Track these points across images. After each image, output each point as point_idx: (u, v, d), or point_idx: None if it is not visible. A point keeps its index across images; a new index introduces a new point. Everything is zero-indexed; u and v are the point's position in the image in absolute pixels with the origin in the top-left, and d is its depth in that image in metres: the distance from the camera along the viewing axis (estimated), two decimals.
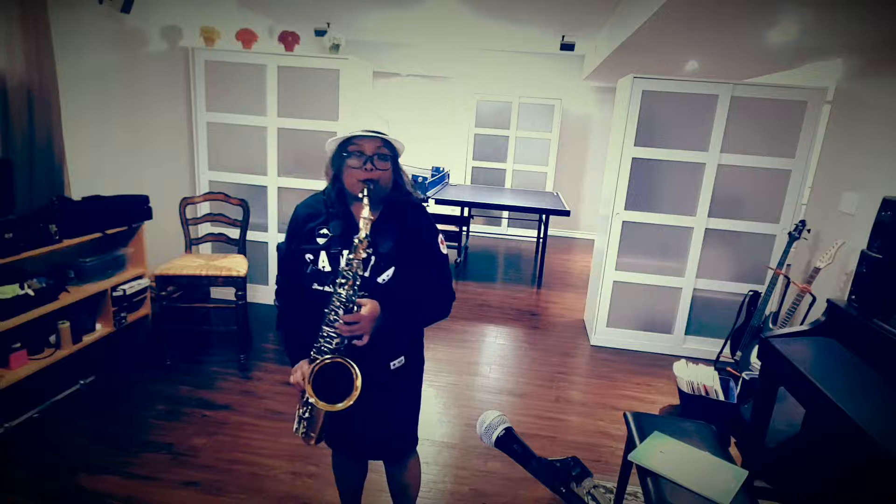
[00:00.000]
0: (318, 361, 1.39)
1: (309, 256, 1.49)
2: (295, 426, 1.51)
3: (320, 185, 4.60)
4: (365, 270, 1.45)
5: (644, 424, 1.99)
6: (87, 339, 2.88)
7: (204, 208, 3.97)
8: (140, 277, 3.17)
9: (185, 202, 3.57)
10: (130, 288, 3.08)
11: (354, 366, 1.38)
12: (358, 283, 1.39)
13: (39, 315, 2.54)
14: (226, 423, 2.70)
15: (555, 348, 3.90)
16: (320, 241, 1.49)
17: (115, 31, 3.33)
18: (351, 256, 1.37)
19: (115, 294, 2.99)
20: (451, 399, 3.08)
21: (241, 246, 3.64)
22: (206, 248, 4.14)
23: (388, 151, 1.46)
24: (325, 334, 1.41)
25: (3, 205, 2.51)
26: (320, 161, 4.28)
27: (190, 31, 3.99)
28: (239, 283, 3.20)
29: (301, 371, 1.48)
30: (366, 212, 1.38)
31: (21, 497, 2.13)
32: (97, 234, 2.87)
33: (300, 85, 3.91)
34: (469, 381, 3.31)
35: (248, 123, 4.01)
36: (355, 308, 1.40)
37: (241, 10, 4.74)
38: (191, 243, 3.57)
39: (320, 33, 5.52)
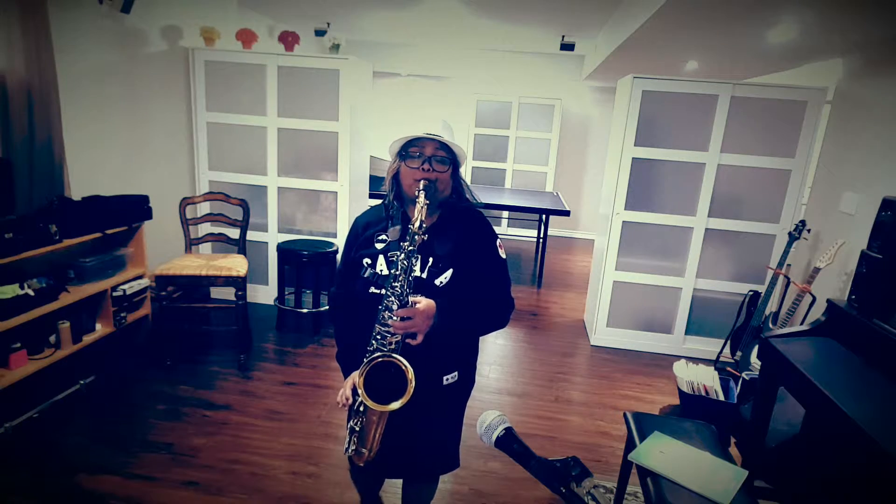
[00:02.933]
0: (370, 361, 1.33)
1: (367, 261, 1.49)
2: (346, 446, 1.46)
3: (320, 185, 4.57)
4: (423, 272, 1.44)
5: (644, 424, 1.99)
6: (87, 339, 2.88)
7: (204, 208, 3.97)
8: (140, 277, 3.17)
9: (185, 202, 3.57)
10: (130, 288, 3.08)
11: (405, 362, 1.31)
12: (412, 275, 1.35)
13: (39, 315, 2.54)
14: (226, 423, 2.70)
15: (555, 348, 3.90)
16: (378, 245, 1.49)
17: (115, 31, 3.33)
18: (405, 243, 1.34)
19: (115, 294, 2.99)
20: None
21: (241, 246, 3.64)
22: (206, 248, 4.14)
23: (447, 155, 1.45)
24: (378, 333, 1.37)
25: (3, 205, 2.51)
26: (320, 161, 4.31)
27: (190, 31, 3.99)
28: (239, 283, 3.20)
29: (352, 380, 1.44)
30: (421, 199, 1.36)
31: (21, 497, 2.12)
32: (97, 234, 2.87)
33: (300, 85, 3.91)
34: None
35: (248, 123, 4.01)
36: (410, 304, 1.35)
37: (241, 10, 4.74)
38: (191, 243, 3.57)
39: (320, 33, 5.52)
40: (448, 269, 1.45)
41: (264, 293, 4.29)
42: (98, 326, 2.99)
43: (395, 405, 1.30)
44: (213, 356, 3.39)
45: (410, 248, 1.33)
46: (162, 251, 3.67)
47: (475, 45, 6.86)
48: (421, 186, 1.39)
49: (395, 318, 1.33)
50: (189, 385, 3.03)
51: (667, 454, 1.80)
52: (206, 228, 3.97)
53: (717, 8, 2.65)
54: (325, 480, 2.33)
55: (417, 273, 1.43)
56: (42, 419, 2.60)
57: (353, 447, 1.44)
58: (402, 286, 1.33)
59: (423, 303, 1.35)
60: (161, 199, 3.57)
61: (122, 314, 3.07)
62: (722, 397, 2.86)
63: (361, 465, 1.46)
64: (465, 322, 1.49)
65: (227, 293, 3.63)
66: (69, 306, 2.72)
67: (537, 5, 4.27)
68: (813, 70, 4.02)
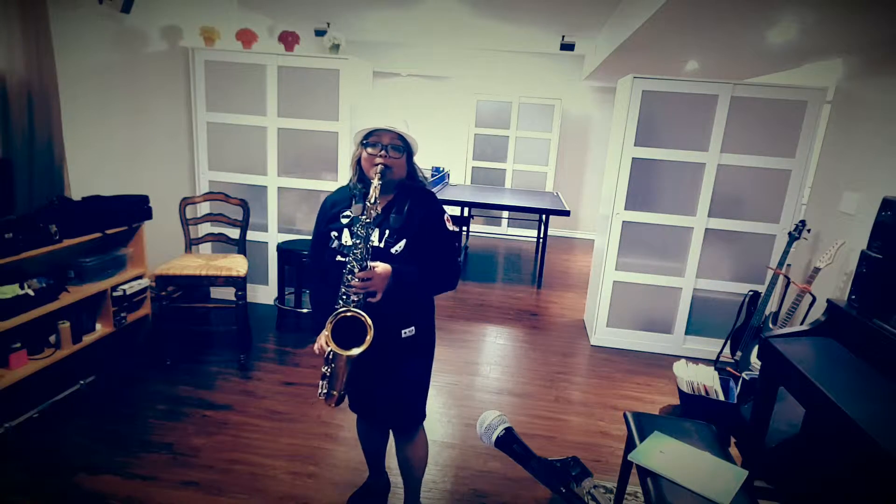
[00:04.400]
0: (337, 314, 1.57)
1: (334, 234, 1.73)
2: (319, 390, 1.68)
3: (320, 185, 4.58)
4: (380, 242, 1.68)
5: (644, 424, 1.99)
6: (87, 339, 2.88)
7: (204, 208, 3.97)
8: (140, 277, 3.17)
9: (185, 202, 3.57)
10: (130, 288, 3.08)
11: (366, 316, 1.55)
12: (370, 243, 1.59)
13: (39, 315, 2.53)
14: (226, 423, 2.70)
15: (555, 348, 3.90)
16: (344, 220, 1.73)
17: (115, 31, 3.33)
18: (362, 216, 1.58)
19: (115, 294, 2.99)
20: (451, 399, 3.07)
21: (241, 246, 3.64)
22: (206, 248, 4.14)
23: (402, 144, 1.68)
24: (344, 294, 1.60)
25: (3, 205, 2.52)
26: (320, 161, 4.32)
27: (190, 31, 3.99)
28: (239, 283, 3.20)
29: (323, 335, 1.66)
30: (376, 181, 1.60)
31: (21, 497, 2.12)
32: (97, 234, 2.87)
33: (300, 85, 3.91)
34: (469, 381, 3.31)
35: (248, 123, 4.01)
36: (369, 268, 1.58)
37: (241, 10, 4.74)
38: (191, 243, 3.57)
39: (320, 33, 5.51)
40: (402, 239, 1.69)
41: (264, 293, 4.29)
42: (98, 326, 2.99)
43: (357, 350, 1.55)
44: (213, 356, 3.39)
45: (367, 220, 1.58)
46: (162, 251, 3.67)
47: (475, 45, 6.86)
48: (378, 170, 1.62)
49: (356, 279, 1.56)
50: (189, 385, 3.03)
51: (667, 454, 1.80)
52: (206, 228, 3.97)
53: (717, 8, 2.65)
54: (325, 480, 2.33)
55: (376, 243, 1.67)
56: (42, 419, 2.60)
57: (325, 390, 1.66)
58: (361, 252, 1.57)
59: (381, 266, 1.60)
60: (161, 199, 3.57)
61: (122, 314, 3.07)
62: (722, 397, 2.86)
63: (333, 405, 1.67)
64: (417, 284, 1.71)
65: (227, 293, 3.63)
66: (69, 306, 2.72)
67: (537, 5, 4.27)
68: (813, 70, 4.02)
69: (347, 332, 1.57)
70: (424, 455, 2.01)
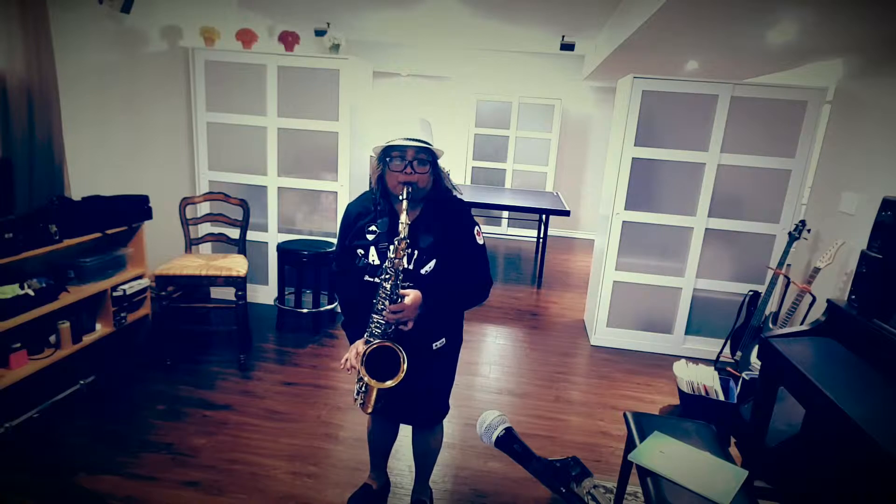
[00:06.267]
0: (370, 345, 1.60)
1: (360, 251, 1.68)
2: (354, 397, 1.72)
3: (320, 185, 4.57)
4: (409, 264, 1.63)
5: (644, 424, 1.99)
6: (87, 339, 2.88)
7: (204, 208, 3.97)
8: (140, 277, 3.17)
9: (185, 202, 3.57)
10: (130, 288, 3.08)
11: (402, 350, 1.57)
12: (400, 278, 1.57)
13: (39, 315, 2.53)
14: (226, 423, 2.70)
15: (555, 348, 3.90)
16: (369, 237, 1.67)
17: (115, 31, 3.33)
18: (392, 256, 1.54)
19: (115, 294, 2.99)
20: (452, 399, 3.06)
21: (241, 246, 3.64)
22: (206, 248, 4.14)
23: (427, 156, 1.59)
24: (375, 321, 1.61)
25: (3, 205, 2.52)
26: (320, 161, 4.32)
27: (190, 31, 3.99)
28: (239, 283, 3.20)
29: (356, 350, 1.66)
30: (403, 217, 1.53)
31: (21, 497, 2.12)
32: (97, 234, 2.87)
33: (300, 85, 3.91)
34: (469, 381, 3.31)
35: (248, 123, 4.01)
36: (399, 299, 1.56)
37: (241, 10, 4.73)
38: (191, 243, 3.57)
39: (320, 33, 5.51)
40: (431, 260, 1.64)
41: (264, 293, 4.29)
42: (98, 326, 2.99)
43: (390, 383, 1.57)
44: (213, 356, 3.39)
45: (397, 260, 1.53)
46: (162, 251, 3.67)
47: (475, 45, 6.86)
48: (406, 193, 1.54)
49: (387, 310, 1.55)
50: (189, 385, 3.03)
51: (667, 454, 1.80)
52: (206, 228, 3.97)
53: (717, 8, 2.65)
54: (325, 480, 2.33)
55: (405, 265, 1.62)
56: (42, 419, 2.60)
57: (361, 401, 1.69)
58: (392, 286, 1.56)
59: (411, 296, 1.56)
60: (161, 199, 3.57)
61: (122, 314, 3.07)
62: (722, 397, 2.86)
63: (368, 412, 1.67)
64: (448, 304, 1.70)
65: (227, 293, 3.63)
66: (69, 306, 2.72)
67: (537, 5, 4.27)
68: (813, 70, 4.02)
69: (380, 360, 1.59)
70: (441, 441, 2.09)
